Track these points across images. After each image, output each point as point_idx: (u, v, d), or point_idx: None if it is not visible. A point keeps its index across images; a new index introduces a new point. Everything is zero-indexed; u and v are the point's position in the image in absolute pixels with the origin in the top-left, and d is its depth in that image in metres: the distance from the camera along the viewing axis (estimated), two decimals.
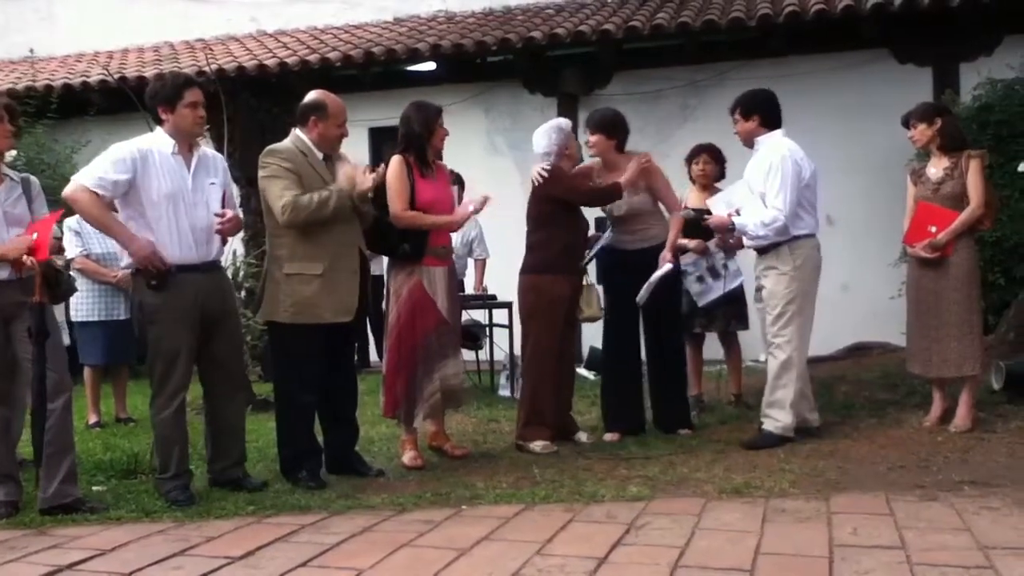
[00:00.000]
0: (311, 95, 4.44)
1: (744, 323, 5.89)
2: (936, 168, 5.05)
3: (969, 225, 4.93)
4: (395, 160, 4.62)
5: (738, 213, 4.97)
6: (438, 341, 4.65)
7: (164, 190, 4.00)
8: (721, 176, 5.95)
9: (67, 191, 3.98)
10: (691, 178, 5.99)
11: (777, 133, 4.99)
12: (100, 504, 3.96)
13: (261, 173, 4.31)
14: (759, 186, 4.91)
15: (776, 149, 4.89)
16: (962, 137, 5.14)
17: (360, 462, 4.54)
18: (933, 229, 4.92)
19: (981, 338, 5.10)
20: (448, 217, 4.71)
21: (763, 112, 4.97)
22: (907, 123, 5.20)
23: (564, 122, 5.22)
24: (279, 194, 4.20)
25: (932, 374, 5.09)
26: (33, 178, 4.17)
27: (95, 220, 4.08)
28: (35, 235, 3.89)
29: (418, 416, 4.67)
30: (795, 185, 4.81)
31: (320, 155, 4.37)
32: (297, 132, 4.39)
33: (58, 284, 4.04)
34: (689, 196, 5.87)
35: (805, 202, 4.91)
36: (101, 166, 3.98)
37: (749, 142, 5.06)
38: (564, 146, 5.04)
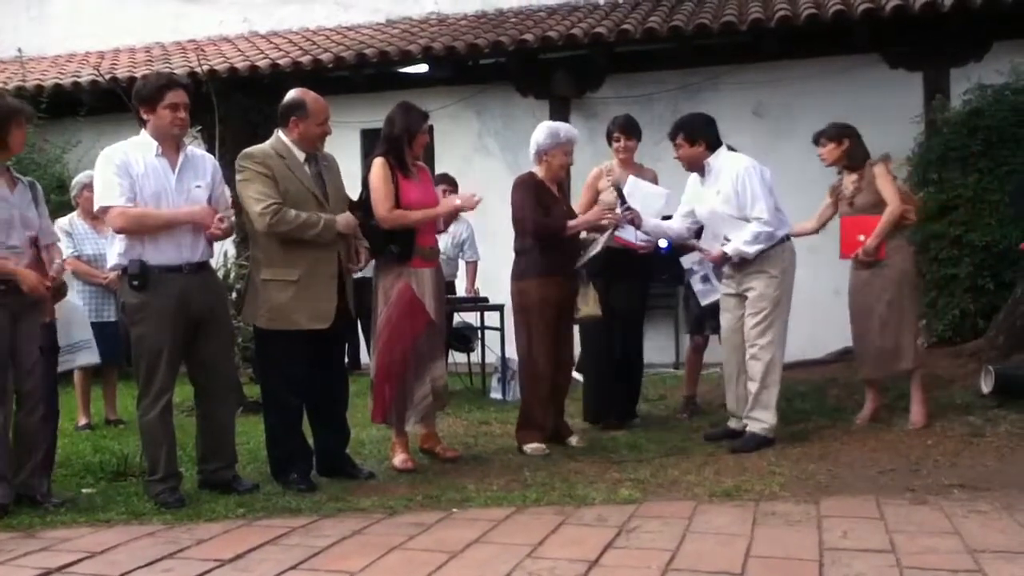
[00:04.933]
0: (290, 94, 4.41)
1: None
2: (847, 184, 5.31)
3: (893, 224, 5.13)
4: (378, 162, 4.59)
5: (727, 239, 4.96)
6: (427, 343, 4.64)
7: (147, 191, 3.99)
8: None
9: (113, 224, 3.98)
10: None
11: (723, 150, 5.07)
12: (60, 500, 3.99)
13: (237, 177, 4.30)
14: (728, 205, 4.91)
15: (735, 163, 4.97)
16: (864, 154, 5.32)
17: (351, 464, 4.52)
18: (862, 238, 5.18)
19: (916, 334, 5.39)
20: (434, 210, 4.68)
21: (707, 136, 5.04)
22: (817, 141, 5.37)
23: (559, 128, 5.10)
24: (256, 198, 4.18)
25: (871, 375, 5.34)
26: (37, 183, 4.20)
27: (153, 226, 3.98)
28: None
29: (410, 420, 4.66)
30: (765, 190, 4.89)
31: (301, 156, 4.34)
32: (279, 134, 4.37)
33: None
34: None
35: (777, 203, 5.00)
36: (110, 180, 3.97)
37: (696, 166, 5.10)
38: (544, 151, 5.01)
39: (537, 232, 4.94)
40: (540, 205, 4.95)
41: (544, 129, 5.08)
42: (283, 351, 4.27)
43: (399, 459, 4.63)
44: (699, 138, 5.03)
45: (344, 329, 4.53)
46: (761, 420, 4.90)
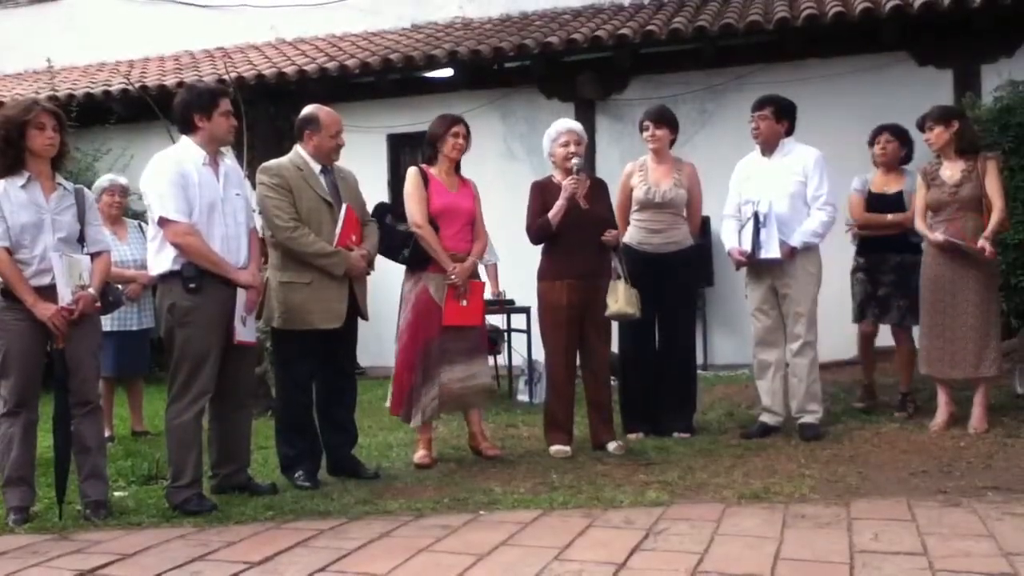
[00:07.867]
0: (305, 110, 4.62)
1: (917, 317, 5.49)
2: (952, 171, 5.07)
3: (998, 228, 4.99)
4: (410, 172, 4.83)
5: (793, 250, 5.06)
6: (440, 347, 4.73)
7: (203, 200, 4.05)
8: (907, 159, 5.74)
9: (173, 239, 3.98)
10: (874, 162, 5.80)
11: (792, 139, 5.26)
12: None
13: (258, 189, 4.48)
14: (788, 185, 5.10)
15: (810, 151, 5.18)
16: (976, 139, 5.21)
17: (357, 465, 4.62)
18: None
19: (999, 340, 5.12)
20: (447, 260, 4.71)
21: (791, 120, 5.23)
22: (922, 126, 5.21)
23: (552, 125, 5.16)
24: (277, 213, 4.38)
25: (946, 375, 5.10)
26: (88, 191, 4.23)
27: (206, 257, 4.01)
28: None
29: (416, 417, 4.75)
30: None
31: (317, 168, 4.52)
32: (297, 147, 4.56)
33: (105, 295, 4.14)
34: (874, 179, 5.72)
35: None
36: (168, 192, 3.99)
37: (772, 143, 5.18)
38: (549, 153, 5.13)
39: (529, 234, 5.07)
40: (547, 207, 4.99)
41: (544, 136, 5.18)
42: (296, 351, 4.45)
43: (418, 455, 4.80)
44: (784, 118, 5.20)
45: (351, 331, 4.65)
46: (815, 411, 5.10)
